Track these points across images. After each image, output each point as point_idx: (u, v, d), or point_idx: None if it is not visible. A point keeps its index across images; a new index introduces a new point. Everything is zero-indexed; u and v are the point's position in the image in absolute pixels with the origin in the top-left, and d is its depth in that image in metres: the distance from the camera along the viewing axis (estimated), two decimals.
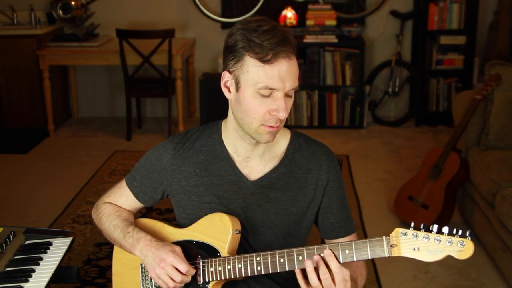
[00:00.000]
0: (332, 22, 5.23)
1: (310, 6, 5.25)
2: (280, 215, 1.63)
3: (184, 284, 1.56)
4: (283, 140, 1.65)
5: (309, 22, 5.23)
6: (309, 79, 5.27)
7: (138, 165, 1.75)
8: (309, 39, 5.19)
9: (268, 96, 1.47)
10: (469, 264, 3.10)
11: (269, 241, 1.64)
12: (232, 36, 1.49)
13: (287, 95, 1.49)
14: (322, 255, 1.44)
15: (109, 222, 1.71)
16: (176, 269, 1.54)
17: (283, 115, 1.47)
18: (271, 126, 1.50)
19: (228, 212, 1.62)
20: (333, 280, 1.42)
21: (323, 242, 1.77)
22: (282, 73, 1.45)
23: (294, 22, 5.26)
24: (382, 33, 5.47)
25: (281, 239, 1.65)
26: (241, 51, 1.47)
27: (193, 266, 1.56)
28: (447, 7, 5.13)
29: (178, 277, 1.53)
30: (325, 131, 5.25)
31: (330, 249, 1.43)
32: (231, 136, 1.61)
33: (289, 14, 5.22)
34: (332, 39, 5.21)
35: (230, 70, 1.52)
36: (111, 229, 1.70)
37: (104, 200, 1.79)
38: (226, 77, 1.55)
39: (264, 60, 1.44)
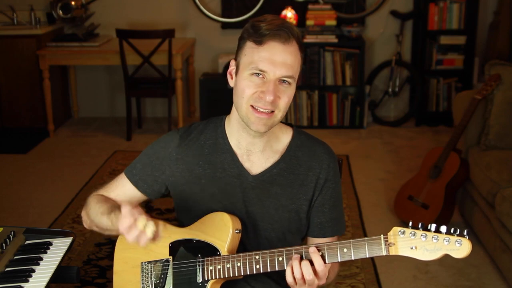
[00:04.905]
0: (332, 22, 5.23)
1: (310, 6, 5.25)
2: (280, 211, 1.64)
3: (145, 231, 1.41)
4: (285, 137, 1.67)
5: (309, 22, 5.23)
6: (309, 79, 5.27)
7: (140, 155, 1.73)
8: (309, 39, 5.19)
9: (260, 78, 1.51)
10: (469, 264, 3.10)
11: (268, 236, 1.65)
12: (243, 29, 1.57)
13: (281, 82, 1.51)
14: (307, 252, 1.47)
15: (97, 209, 1.65)
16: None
17: (269, 98, 1.49)
18: (259, 111, 1.51)
19: (230, 206, 1.62)
20: (315, 273, 1.46)
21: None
22: (274, 57, 1.49)
23: (294, 22, 5.25)
24: (382, 33, 5.47)
25: (280, 235, 1.66)
26: (245, 38, 1.54)
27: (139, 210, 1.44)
28: (447, 7, 5.13)
29: (123, 223, 1.41)
30: (325, 131, 5.25)
31: (315, 246, 1.46)
32: (235, 128, 1.63)
33: (289, 14, 5.22)
34: (332, 39, 5.21)
35: (236, 58, 1.58)
36: (98, 216, 1.63)
37: (96, 193, 1.74)
38: (231, 65, 1.60)
39: (257, 42, 1.50)
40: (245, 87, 1.52)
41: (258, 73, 1.50)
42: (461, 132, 3.38)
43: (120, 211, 1.45)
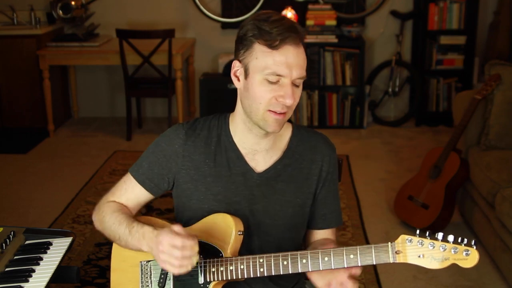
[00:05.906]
0: (332, 22, 5.23)
1: (310, 6, 5.25)
2: (285, 207, 1.65)
3: (192, 262, 1.46)
4: (286, 133, 1.68)
5: (309, 22, 5.23)
6: (309, 79, 5.27)
7: (145, 153, 1.70)
8: (309, 39, 5.18)
9: (276, 83, 1.51)
10: None
11: (272, 233, 1.65)
12: (243, 27, 1.55)
13: (294, 84, 1.52)
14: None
15: (114, 218, 1.64)
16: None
17: (289, 101, 1.50)
18: (277, 113, 1.52)
19: (234, 205, 1.62)
20: None
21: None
22: (289, 60, 1.49)
23: None
24: (382, 33, 5.47)
25: (286, 232, 1.66)
26: (251, 39, 1.52)
27: (194, 235, 1.46)
28: (447, 7, 5.13)
29: (176, 252, 1.43)
30: (325, 131, 5.15)
31: (321, 251, 1.47)
32: (239, 129, 1.63)
33: (289, 14, 5.21)
34: (332, 39, 5.21)
35: (240, 59, 1.56)
36: (115, 226, 1.62)
37: (108, 198, 1.72)
38: (236, 66, 1.59)
39: (272, 46, 1.49)
40: (262, 93, 1.51)
41: (274, 78, 1.50)
42: (461, 132, 3.38)
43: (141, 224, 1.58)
